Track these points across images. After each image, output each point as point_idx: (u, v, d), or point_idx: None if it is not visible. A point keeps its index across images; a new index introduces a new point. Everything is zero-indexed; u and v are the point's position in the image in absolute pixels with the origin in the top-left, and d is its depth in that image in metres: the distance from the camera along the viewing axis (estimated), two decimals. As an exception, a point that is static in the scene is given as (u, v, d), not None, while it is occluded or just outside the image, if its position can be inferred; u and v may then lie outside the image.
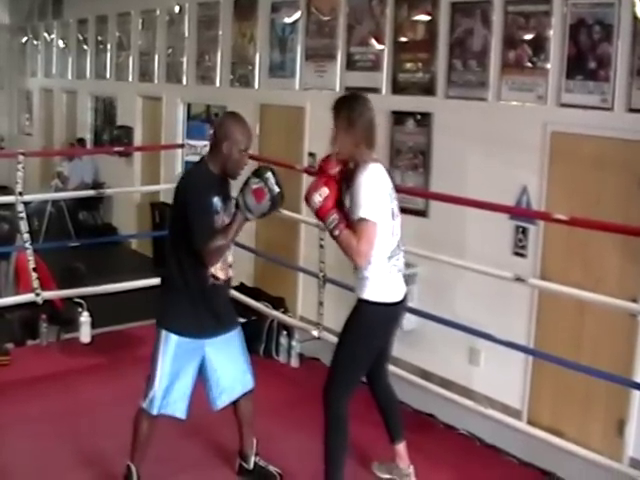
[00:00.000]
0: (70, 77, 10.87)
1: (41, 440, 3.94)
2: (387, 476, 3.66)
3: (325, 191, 3.15)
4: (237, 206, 3.09)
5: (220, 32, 7.22)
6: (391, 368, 3.72)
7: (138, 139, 9.02)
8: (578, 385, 4.10)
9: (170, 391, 3.24)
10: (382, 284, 3.20)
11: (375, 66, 5.42)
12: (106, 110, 10.12)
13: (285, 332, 5.31)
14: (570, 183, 4.22)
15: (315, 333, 4.85)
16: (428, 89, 5.02)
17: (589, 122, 4.05)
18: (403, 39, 5.21)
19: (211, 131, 3.51)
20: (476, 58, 4.68)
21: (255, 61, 6.72)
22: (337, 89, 5.75)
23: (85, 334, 5.34)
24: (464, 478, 3.86)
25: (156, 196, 8.24)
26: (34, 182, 10.14)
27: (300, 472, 3.69)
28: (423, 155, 5.06)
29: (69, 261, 6.48)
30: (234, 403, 3.48)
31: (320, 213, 3.17)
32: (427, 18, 5.00)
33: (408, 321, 4.26)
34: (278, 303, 5.80)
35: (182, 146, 6.78)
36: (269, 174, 3.05)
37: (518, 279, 3.81)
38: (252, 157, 3.38)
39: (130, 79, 9.07)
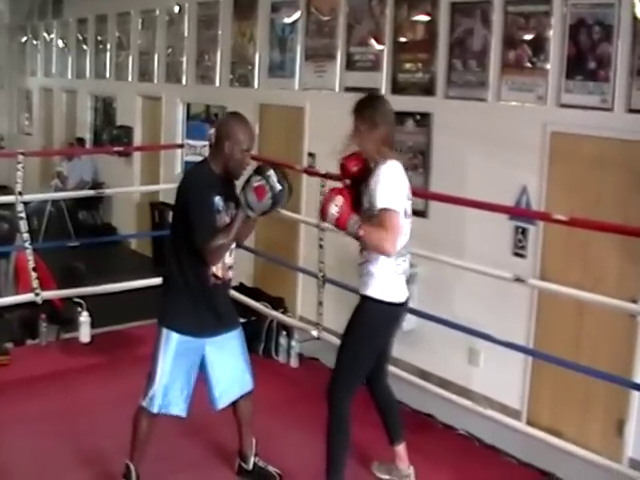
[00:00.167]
0: (70, 77, 10.87)
1: (41, 439, 3.94)
2: (387, 477, 3.67)
3: (340, 199, 3.12)
4: (238, 204, 3.10)
5: (220, 32, 7.22)
6: (390, 368, 3.72)
7: (138, 139, 9.01)
8: (577, 385, 4.09)
9: (170, 389, 3.25)
10: (387, 282, 3.19)
11: (375, 66, 5.41)
12: (106, 110, 10.12)
13: (284, 332, 5.31)
14: (570, 183, 4.22)
15: (314, 333, 4.85)
16: (428, 89, 5.01)
17: (589, 122, 4.05)
18: (403, 39, 5.21)
19: (211, 131, 3.51)
20: (476, 58, 4.68)
21: (255, 61, 6.72)
22: (337, 89, 5.75)
23: (85, 334, 5.34)
24: (463, 478, 3.86)
25: (155, 196, 8.25)
26: (34, 182, 10.13)
27: (299, 472, 3.69)
28: (423, 155, 5.06)
29: (69, 261, 6.47)
30: (233, 403, 3.48)
31: (339, 223, 3.12)
32: (427, 18, 5.00)
33: (407, 321, 4.24)
34: (277, 303, 5.80)
35: (182, 146, 6.75)
36: (271, 172, 3.05)
37: (518, 279, 3.81)
38: (252, 157, 3.38)
39: (130, 79, 9.07)
